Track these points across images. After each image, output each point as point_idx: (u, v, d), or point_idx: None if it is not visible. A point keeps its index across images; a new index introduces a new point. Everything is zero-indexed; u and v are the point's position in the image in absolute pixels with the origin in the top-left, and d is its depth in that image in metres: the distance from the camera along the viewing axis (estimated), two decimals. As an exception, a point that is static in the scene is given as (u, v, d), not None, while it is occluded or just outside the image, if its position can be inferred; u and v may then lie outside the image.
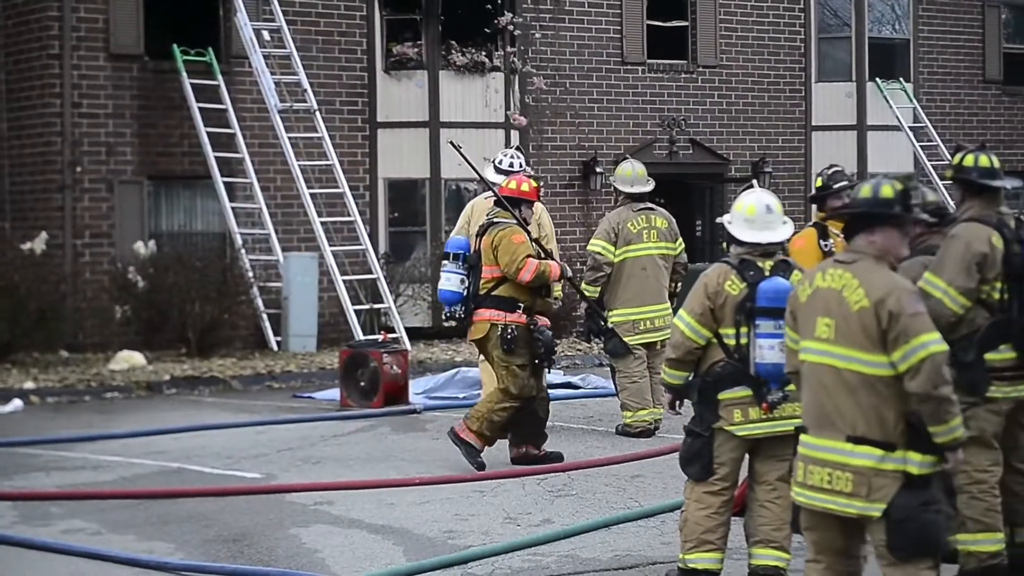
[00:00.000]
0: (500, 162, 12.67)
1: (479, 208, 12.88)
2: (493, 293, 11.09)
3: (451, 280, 11.26)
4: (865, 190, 6.21)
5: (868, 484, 5.97)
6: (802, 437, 6.23)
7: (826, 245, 10.80)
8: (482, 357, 12.75)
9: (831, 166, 10.18)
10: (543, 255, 11.34)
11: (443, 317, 11.62)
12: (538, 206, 13.16)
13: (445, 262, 11.43)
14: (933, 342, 5.95)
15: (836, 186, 9.81)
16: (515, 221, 11.19)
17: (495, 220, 11.21)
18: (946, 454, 6.04)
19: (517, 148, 13.29)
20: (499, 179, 12.68)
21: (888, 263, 6.14)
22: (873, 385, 6.00)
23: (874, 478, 5.97)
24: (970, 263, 7.65)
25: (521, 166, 12.81)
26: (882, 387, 6.00)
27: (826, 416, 6.08)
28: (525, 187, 11.37)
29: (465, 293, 11.21)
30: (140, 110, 19.69)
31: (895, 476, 5.97)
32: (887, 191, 6.15)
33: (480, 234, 11.27)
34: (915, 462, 5.98)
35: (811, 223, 10.17)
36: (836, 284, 6.13)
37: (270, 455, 12.17)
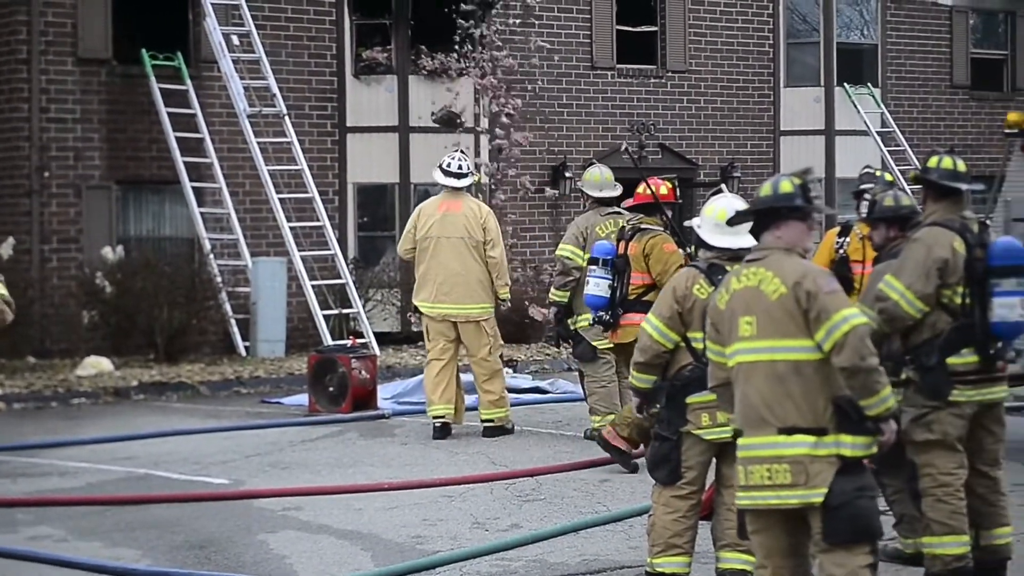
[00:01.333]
0: (448, 165, 13.05)
1: (425, 212, 13.12)
2: (643, 299, 11.06)
3: (600, 285, 11.30)
4: (766, 188, 6.33)
5: (806, 471, 6.03)
6: (738, 441, 6.29)
7: (839, 244, 10.91)
8: (442, 359, 12.81)
9: (865, 167, 10.31)
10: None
11: (592, 321, 11.64)
12: (484, 209, 13.22)
13: (593, 267, 11.49)
14: (853, 315, 6.06)
15: (862, 187, 9.99)
16: (663, 228, 11.15)
17: (642, 227, 11.18)
18: (880, 426, 6.11)
19: (462, 151, 13.38)
20: (448, 182, 12.92)
21: (796, 254, 6.26)
22: (801, 371, 6.08)
23: (810, 464, 6.03)
24: (930, 268, 7.69)
25: (469, 169, 13.01)
26: (810, 372, 6.08)
27: (757, 413, 6.14)
28: (663, 190, 11.29)
29: (611, 297, 11.23)
30: (108, 115, 19.62)
31: (830, 460, 6.04)
32: (787, 186, 6.29)
33: (627, 239, 11.26)
34: (848, 444, 6.06)
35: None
36: (752, 282, 6.23)
37: (238, 461, 12.14)
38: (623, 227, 11.52)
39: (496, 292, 13.12)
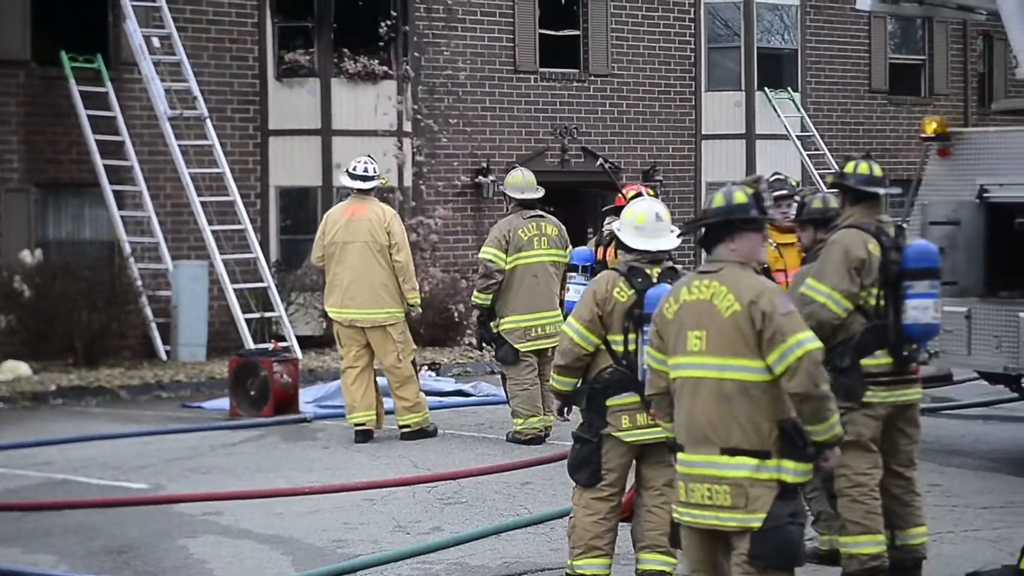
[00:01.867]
0: (355, 169, 13.05)
1: (332, 218, 13.14)
2: None
3: (580, 292, 11.25)
4: (718, 199, 6.18)
5: (746, 495, 5.93)
6: (679, 456, 6.16)
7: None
8: (356, 366, 12.79)
9: (774, 174, 10.35)
10: None
11: None
12: (389, 212, 13.19)
13: (572, 274, 11.52)
14: (808, 340, 5.94)
15: (776, 194, 9.98)
16: None
17: None
18: (826, 452, 6.06)
19: (370, 156, 13.36)
20: (354, 184, 12.93)
21: (752, 268, 6.15)
22: (749, 392, 5.96)
23: (751, 488, 5.93)
24: (849, 267, 7.79)
25: (375, 171, 13.02)
26: (758, 393, 5.97)
27: (700, 431, 6.02)
28: (632, 194, 11.24)
29: None
30: (27, 117, 19.40)
31: (770, 485, 5.94)
32: (741, 197, 6.15)
33: (605, 244, 11.26)
34: (789, 470, 5.97)
35: None
36: (704, 295, 6.08)
37: (158, 465, 12.06)
38: (602, 232, 11.53)
39: (405, 297, 13.04)
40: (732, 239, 6.13)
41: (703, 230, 6.23)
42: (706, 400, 6.01)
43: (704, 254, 7.34)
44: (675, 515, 6.26)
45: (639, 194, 9.97)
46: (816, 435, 6.01)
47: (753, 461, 5.94)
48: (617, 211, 11.37)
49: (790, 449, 5.97)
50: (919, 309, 7.81)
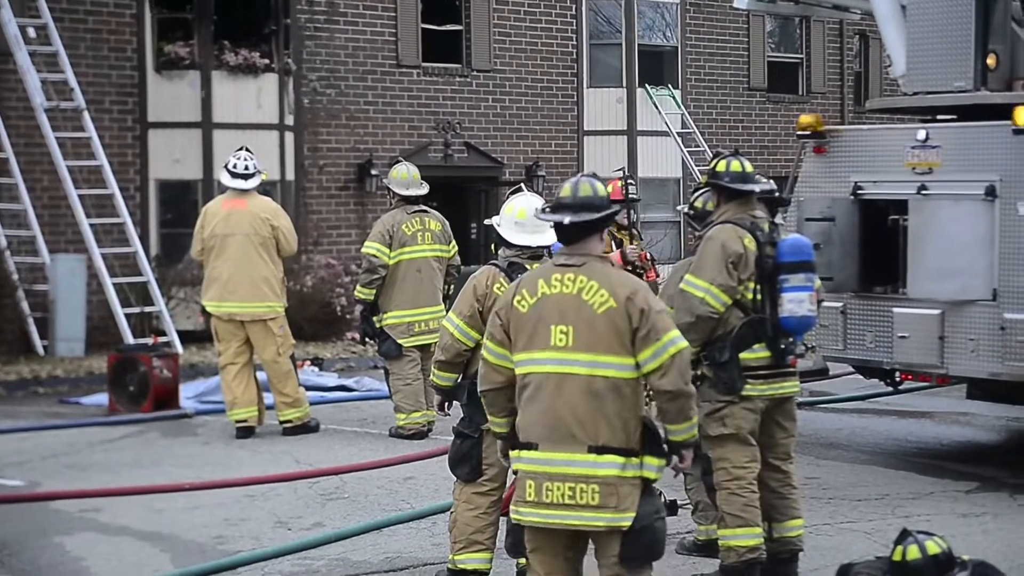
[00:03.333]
0: (234, 166, 12.97)
1: (211, 211, 13.05)
2: None
3: None
4: (585, 188, 6.06)
5: (616, 494, 5.83)
6: (527, 454, 5.96)
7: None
8: (236, 363, 12.72)
9: (618, 168, 10.36)
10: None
11: None
12: (270, 204, 13.09)
13: None
14: (679, 338, 5.92)
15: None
16: (623, 227, 11.33)
17: None
18: (683, 452, 6.02)
19: (247, 149, 13.22)
20: (235, 183, 12.82)
21: (609, 263, 6.09)
22: (619, 389, 5.88)
23: (620, 487, 5.84)
24: (726, 261, 7.89)
25: (256, 168, 12.92)
26: (627, 391, 5.90)
27: (564, 428, 5.86)
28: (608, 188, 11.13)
29: None
30: (-102, 107, 19.02)
31: (635, 483, 5.88)
32: (604, 190, 6.11)
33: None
34: (652, 467, 5.92)
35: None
36: (569, 288, 5.94)
37: (34, 462, 11.89)
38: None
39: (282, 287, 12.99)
40: (599, 232, 6.08)
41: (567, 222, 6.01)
42: (574, 397, 5.87)
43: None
44: (522, 519, 6.02)
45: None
46: (676, 434, 5.97)
47: (620, 459, 5.85)
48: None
49: (653, 446, 5.94)
50: (795, 302, 7.93)
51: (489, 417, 6.30)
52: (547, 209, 6.33)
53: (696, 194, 8.99)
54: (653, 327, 5.86)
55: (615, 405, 5.88)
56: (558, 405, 5.90)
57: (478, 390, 6.31)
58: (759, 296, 7.97)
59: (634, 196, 11.47)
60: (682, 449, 6.02)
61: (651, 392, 6.03)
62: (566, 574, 6.07)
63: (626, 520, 5.85)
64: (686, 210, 9.30)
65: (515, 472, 6.17)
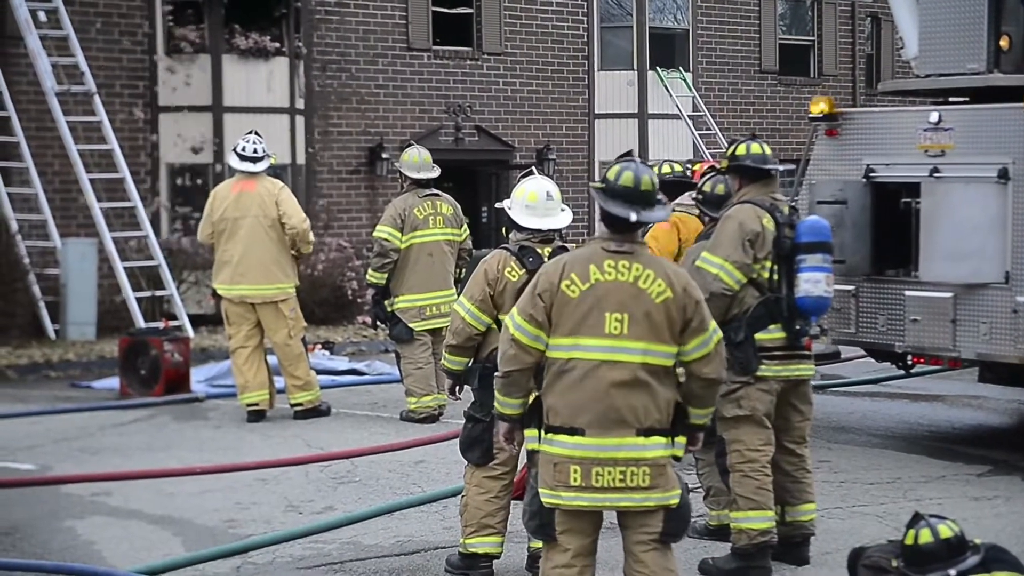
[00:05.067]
0: (243, 149, 12.90)
1: (220, 194, 13.02)
2: None
3: None
4: (646, 181, 6.05)
5: (664, 474, 6.00)
6: (570, 439, 5.96)
7: None
8: (247, 346, 12.72)
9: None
10: None
11: None
12: (278, 185, 13.03)
13: None
14: (718, 328, 6.12)
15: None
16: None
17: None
18: (697, 434, 6.20)
19: (256, 133, 13.19)
20: (244, 167, 12.78)
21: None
22: (663, 376, 5.99)
23: (667, 467, 6.02)
24: (743, 239, 7.89)
25: (265, 151, 12.89)
26: (668, 378, 6.03)
27: (615, 413, 5.93)
28: (697, 167, 11.06)
29: None
30: (-91, 92, 19.01)
31: (671, 462, 6.06)
32: (648, 182, 6.06)
33: None
34: (681, 445, 6.11)
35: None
36: (625, 276, 5.96)
37: (46, 446, 11.90)
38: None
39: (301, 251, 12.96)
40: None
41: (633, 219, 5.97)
42: (625, 383, 5.93)
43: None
44: (556, 502, 6.02)
45: (712, 168, 9.81)
46: (698, 418, 6.14)
47: (664, 440, 6.01)
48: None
49: (682, 426, 6.09)
50: (811, 282, 7.93)
51: (504, 399, 6.21)
52: (604, 191, 6.07)
53: (704, 178, 9.00)
54: (703, 318, 6.02)
55: (661, 390, 5.99)
56: (611, 392, 5.94)
57: (500, 371, 6.20)
58: (775, 276, 7.97)
59: None
60: (697, 432, 6.18)
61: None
62: (590, 550, 6.17)
63: (674, 498, 6.03)
64: (693, 195, 9.31)
65: (534, 454, 6.17)
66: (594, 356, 5.96)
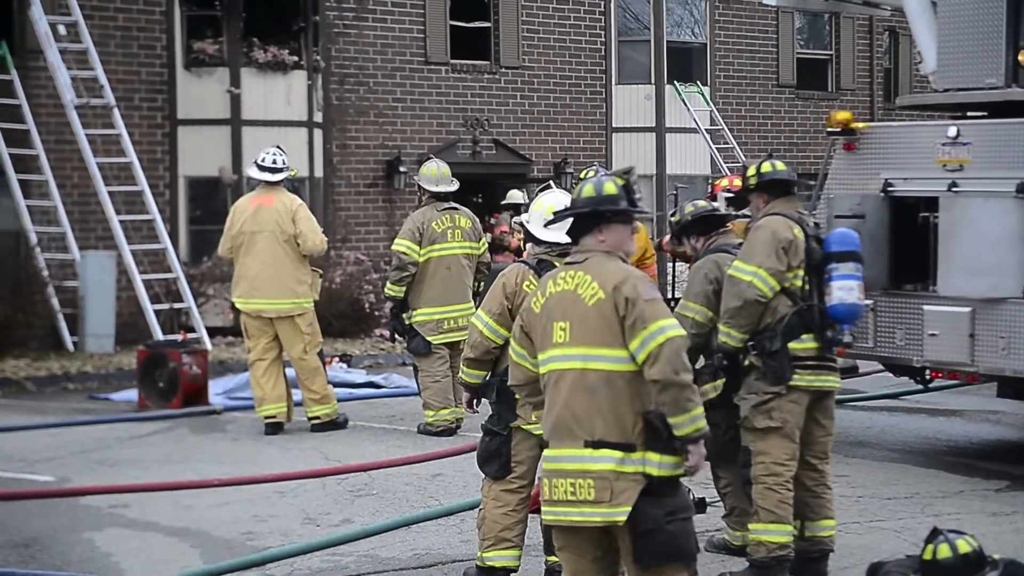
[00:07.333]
0: (263, 160, 12.98)
1: (239, 209, 13.09)
2: None
3: None
4: (588, 189, 6.02)
5: (610, 488, 5.72)
6: (545, 452, 5.98)
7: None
8: (265, 358, 12.73)
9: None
10: None
11: None
12: (296, 201, 13.04)
13: None
14: (670, 327, 5.75)
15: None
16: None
17: None
18: (688, 448, 5.78)
19: (278, 147, 13.29)
20: (263, 176, 12.85)
21: (619, 258, 5.99)
22: (613, 383, 5.78)
23: (615, 482, 5.72)
24: (777, 247, 7.92)
25: (285, 163, 12.93)
26: (622, 384, 5.78)
27: (564, 424, 5.83)
28: (723, 183, 11.16)
29: None
30: (-70, 104, 19.11)
31: (636, 479, 5.73)
32: (611, 188, 6.00)
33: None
34: (654, 463, 5.74)
35: None
36: (569, 285, 5.92)
37: (64, 457, 11.93)
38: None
39: (312, 289, 12.96)
40: (600, 230, 5.97)
41: (572, 220, 6.04)
42: (570, 392, 5.83)
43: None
44: (543, 517, 6.00)
45: (729, 191, 9.79)
46: (678, 427, 5.75)
47: (618, 454, 5.73)
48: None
49: (655, 441, 5.76)
50: (844, 290, 7.94)
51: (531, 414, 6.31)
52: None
53: (684, 204, 8.96)
54: (640, 316, 5.75)
55: (609, 399, 5.78)
56: (558, 402, 5.89)
57: (509, 385, 6.33)
58: (807, 285, 7.98)
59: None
60: (688, 445, 5.79)
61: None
62: (594, 570, 5.96)
63: (620, 515, 5.71)
64: (720, 202, 9.35)
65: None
66: (550, 367, 5.95)
